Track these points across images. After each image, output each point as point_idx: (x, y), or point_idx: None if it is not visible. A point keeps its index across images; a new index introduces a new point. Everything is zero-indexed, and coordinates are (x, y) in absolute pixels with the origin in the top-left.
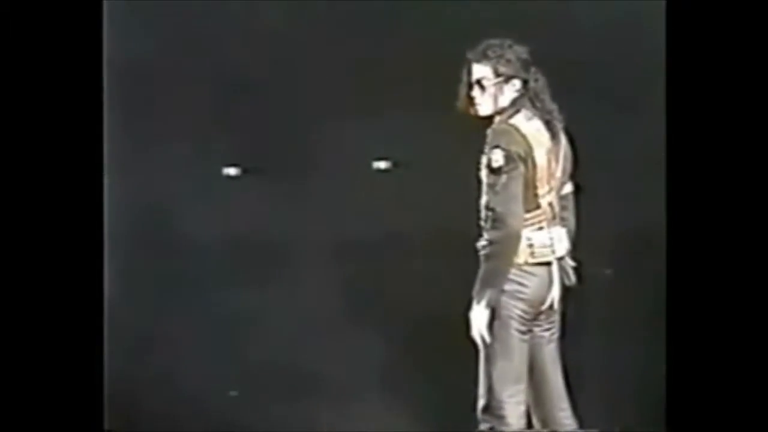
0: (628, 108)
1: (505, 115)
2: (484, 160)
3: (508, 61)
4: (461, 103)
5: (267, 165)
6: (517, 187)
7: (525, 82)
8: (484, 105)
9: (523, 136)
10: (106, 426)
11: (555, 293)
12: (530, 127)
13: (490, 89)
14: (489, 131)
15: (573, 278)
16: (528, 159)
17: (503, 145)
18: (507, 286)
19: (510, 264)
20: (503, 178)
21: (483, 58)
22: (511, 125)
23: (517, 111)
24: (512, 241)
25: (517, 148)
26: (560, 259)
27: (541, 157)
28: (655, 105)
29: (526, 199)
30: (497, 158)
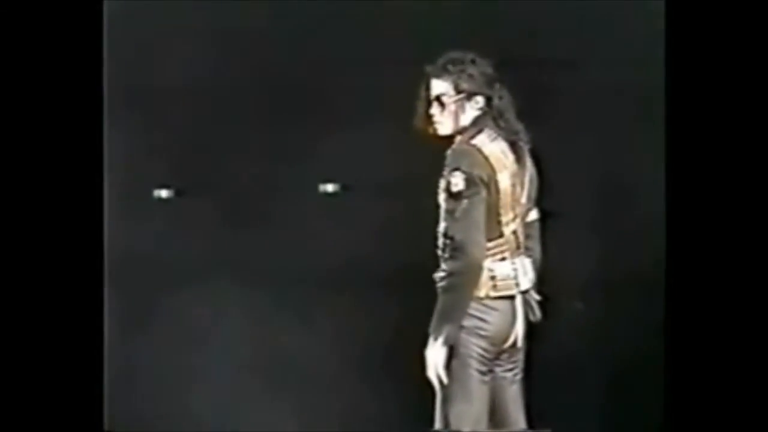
0: (621, 129)
1: (466, 135)
2: (443, 183)
3: (470, 76)
4: (419, 121)
5: (204, 187)
6: (479, 214)
7: (488, 100)
8: (443, 123)
9: (486, 158)
10: (106, 426)
11: (519, 330)
12: (494, 148)
13: (451, 107)
14: (449, 152)
15: (538, 313)
16: (491, 183)
17: (464, 168)
18: (466, 322)
19: (470, 297)
20: (464, 203)
21: (443, 72)
22: (473, 146)
23: (480, 131)
24: (473, 271)
25: (480, 171)
26: (524, 292)
27: (504, 181)
28: (650, 128)
29: (488, 227)
30: (457, 182)
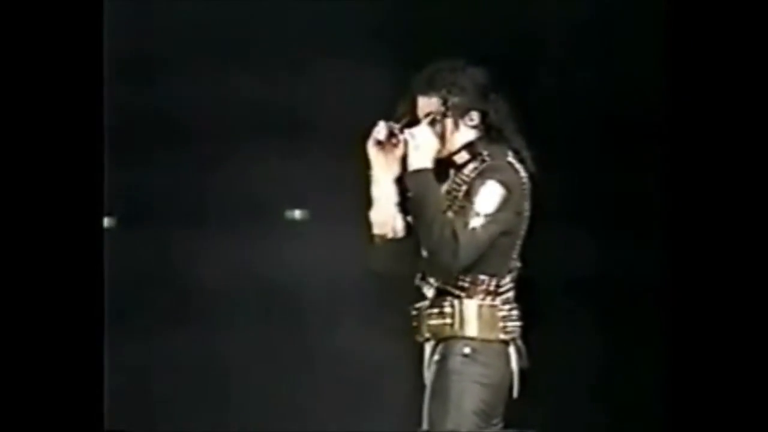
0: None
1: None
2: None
3: (462, 88)
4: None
5: (157, 214)
6: (493, 236)
7: (484, 115)
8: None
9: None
10: (106, 426)
11: (515, 377)
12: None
13: (441, 126)
14: (478, 166)
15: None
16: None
17: (505, 180)
18: (470, 369)
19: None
20: (484, 219)
21: (429, 88)
22: (510, 164)
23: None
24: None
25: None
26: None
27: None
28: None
29: (504, 259)
30: (493, 193)
